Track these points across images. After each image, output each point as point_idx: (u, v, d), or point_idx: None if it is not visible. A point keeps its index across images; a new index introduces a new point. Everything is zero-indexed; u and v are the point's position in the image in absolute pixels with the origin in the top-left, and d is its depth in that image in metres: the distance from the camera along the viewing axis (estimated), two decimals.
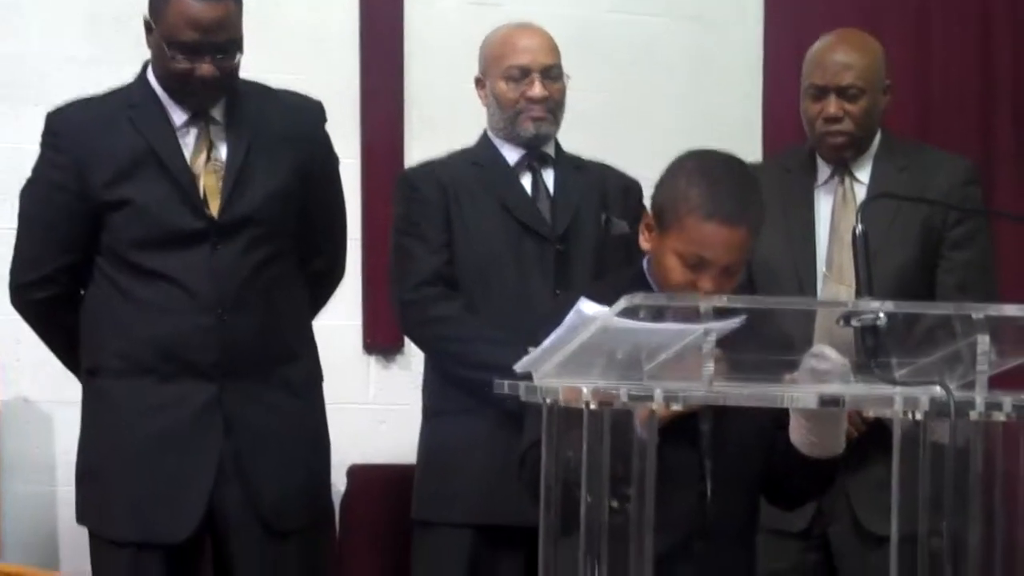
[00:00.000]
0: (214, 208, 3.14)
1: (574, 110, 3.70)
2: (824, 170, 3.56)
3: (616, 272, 3.28)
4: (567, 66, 3.60)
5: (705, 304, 2.18)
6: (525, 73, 3.54)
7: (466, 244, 3.50)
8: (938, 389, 2.17)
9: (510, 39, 3.60)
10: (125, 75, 3.29)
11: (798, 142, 3.71)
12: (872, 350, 2.25)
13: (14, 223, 3.30)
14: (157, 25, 3.11)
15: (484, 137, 3.63)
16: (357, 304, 4.39)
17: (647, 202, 2.90)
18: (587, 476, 2.16)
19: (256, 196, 3.17)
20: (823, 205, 3.54)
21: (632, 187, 3.65)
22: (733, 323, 2.21)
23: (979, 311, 2.23)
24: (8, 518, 4.08)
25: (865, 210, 2.53)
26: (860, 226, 2.40)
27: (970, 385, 2.23)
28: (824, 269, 3.47)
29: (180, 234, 3.12)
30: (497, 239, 3.50)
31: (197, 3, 3.06)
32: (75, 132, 3.18)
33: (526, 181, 3.58)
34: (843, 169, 3.54)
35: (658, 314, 2.19)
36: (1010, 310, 2.25)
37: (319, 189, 3.32)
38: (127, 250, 3.14)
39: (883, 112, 3.57)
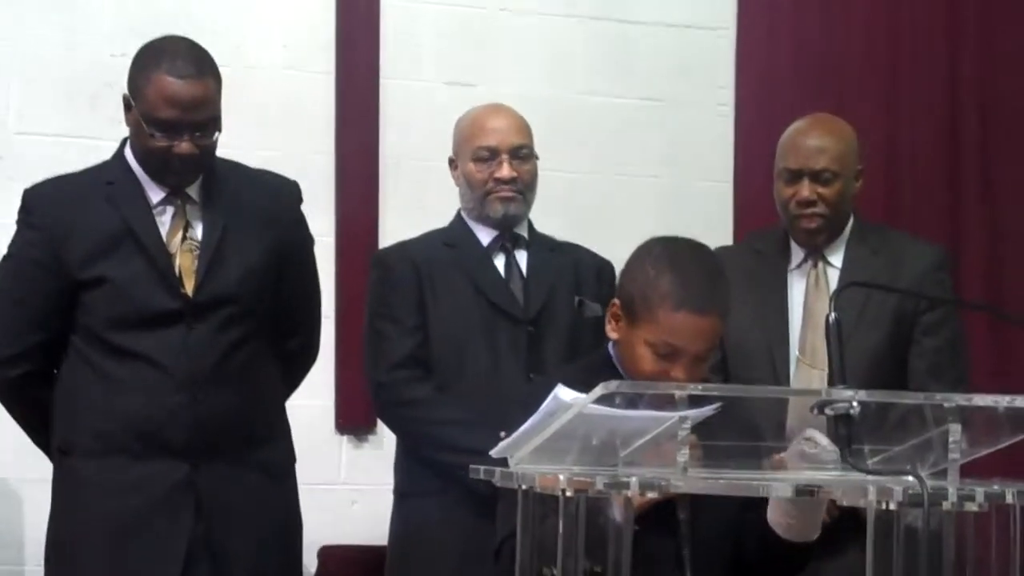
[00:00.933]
0: (189, 287, 3.13)
1: (547, 191, 3.72)
2: (798, 253, 3.59)
3: (587, 356, 3.28)
4: (540, 147, 3.62)
5: (680, 392, 2.19)
6: (494, 154, 3.55)
7: (439, 326, 3.50)
8: (911, 479, 2.18)
9: (479, 120, 3.62)
10: (102, 152, 3.30)
11: (770, 224, 3.74)
12: (845, 439, 2.26)
13: None
14: (136, 102, 3.09)
15: (458, 217, 3.64)
16: (330, 384, 4.38)
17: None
18: (563, 562, 2.15)
19: (231, 276, 3.16)
20: (796, 289, 3.56)
21: (605, 268, 3.66)
22: (708, 410, 2.23)
23: (951, 400, 2.25)
24: None
25: (838, 297, 2.55)
26: (834, 314, 2.42)
27: (942, 473, 2.25)
28: (797, 353, 3.48)
29: (155, 313, 3.11)
30: (470, 321, 3.50)
31: (177, 81, 3.06)
32: (51, 209, 3.17)
33: (499, 262, 3.59)
34: (816, 253, 3.56)
35: (634, 401, 2.19)
36: (980, 400, 2.26)
37: (294, 269, 3.32)
38: (102, 329, 3.12)
39: (855, 196, 3.60)
